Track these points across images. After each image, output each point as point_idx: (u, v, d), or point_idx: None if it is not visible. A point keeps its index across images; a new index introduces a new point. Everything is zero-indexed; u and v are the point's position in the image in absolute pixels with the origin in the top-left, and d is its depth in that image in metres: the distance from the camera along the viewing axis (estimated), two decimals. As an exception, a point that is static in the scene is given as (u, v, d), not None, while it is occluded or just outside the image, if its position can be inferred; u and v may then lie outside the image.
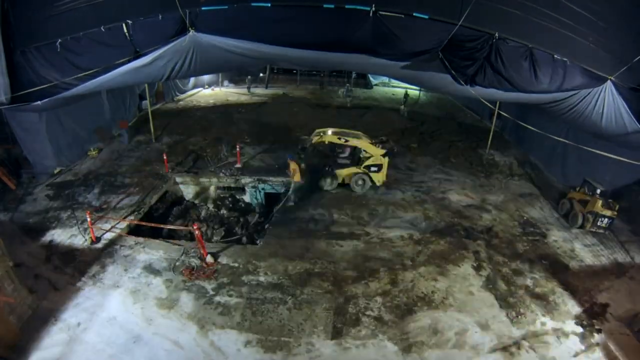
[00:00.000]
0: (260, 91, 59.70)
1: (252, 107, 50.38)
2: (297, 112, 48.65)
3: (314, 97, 57.92)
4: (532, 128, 26.84)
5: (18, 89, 22.86)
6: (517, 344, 18.02)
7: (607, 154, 22.30)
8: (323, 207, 28.93)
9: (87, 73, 22.63)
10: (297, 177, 28.74)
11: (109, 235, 23.90)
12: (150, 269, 21.45)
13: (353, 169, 31.12)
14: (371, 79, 65.14)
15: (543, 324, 19.26)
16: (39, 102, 23.76)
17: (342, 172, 31.18)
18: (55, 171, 30.19)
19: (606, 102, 23.61)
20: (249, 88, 58.57)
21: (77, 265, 21.32)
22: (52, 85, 22.86)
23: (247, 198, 33.45)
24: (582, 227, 27.35)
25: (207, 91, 58.29)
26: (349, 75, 62.22)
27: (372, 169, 30.85)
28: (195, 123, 42.49)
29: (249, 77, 58.73)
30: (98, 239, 23.41)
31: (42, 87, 22.70)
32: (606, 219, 26.55)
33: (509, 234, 25.85)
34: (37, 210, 26.10)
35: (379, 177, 31.31)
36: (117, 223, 24.93)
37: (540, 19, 21.98)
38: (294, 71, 63.44)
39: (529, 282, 21.97)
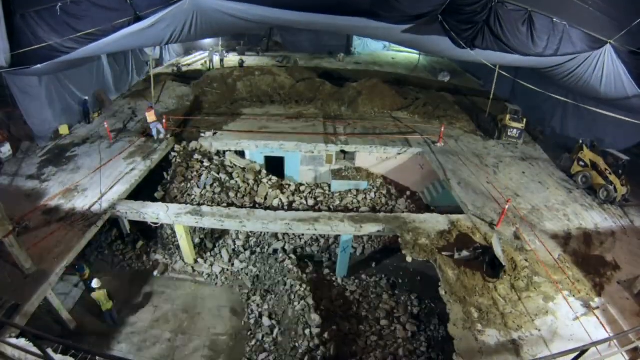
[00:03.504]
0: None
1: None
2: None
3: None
4: (533, 87, 26.87)
5: (18, 54, 22.84)
6: (517, 307, 18.23)
7: (610, 113, 22.40)
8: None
9: (86, 32, 22.59)
10: None
11: (110, 198, 24.10)
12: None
13: None
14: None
15: (544, 287, 19.42)
16: (39, 66, 23.77)
17: None
18: (55, 135, 30.21)
19: (605, 65, 23.69)
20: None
21: (77, 227, 21.47)
22: (52, 49, 22.86)
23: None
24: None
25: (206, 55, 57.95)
26: (349, 39, 61.92)
27: None
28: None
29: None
30: (98, 202, 23.60)
31: (39, 46, 22.65)
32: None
33: (509, 195, 25.92)
34: (37, 173, 26.24)
35: None
36: (112, 188, 25.08)
37: (540, -17, 22.02)
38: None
39: (530, 245, 22.02)
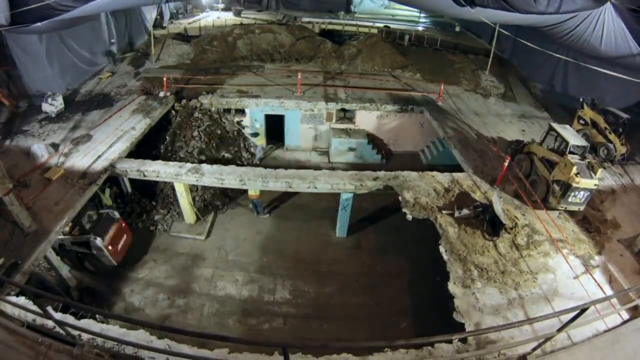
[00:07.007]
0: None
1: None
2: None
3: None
4: (534, 46, 26.75)
5: (17, 12, 22.54)
6: (517, 266, 18.36)
7: (610, 72, 22.31)
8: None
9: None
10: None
11: (110, 156, 24.02)
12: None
13: None
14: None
15: (544, 246, 19.49)
16: (39, 24, 23.53)
17: None
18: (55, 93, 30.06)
19: (606, 24, 23.53)
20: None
21: (77, 186, 21.53)
22: (51, 7, 22.57)
23: (246, 121, 33.57)
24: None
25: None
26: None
27: None
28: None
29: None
30: (98, 160, 23.54)
31: (36, 6, 22.33)
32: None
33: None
34: (37, 132, 26.15)
35: None
36: (112, 146, 24.97)
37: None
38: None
39: (531, 204, 22.08)
